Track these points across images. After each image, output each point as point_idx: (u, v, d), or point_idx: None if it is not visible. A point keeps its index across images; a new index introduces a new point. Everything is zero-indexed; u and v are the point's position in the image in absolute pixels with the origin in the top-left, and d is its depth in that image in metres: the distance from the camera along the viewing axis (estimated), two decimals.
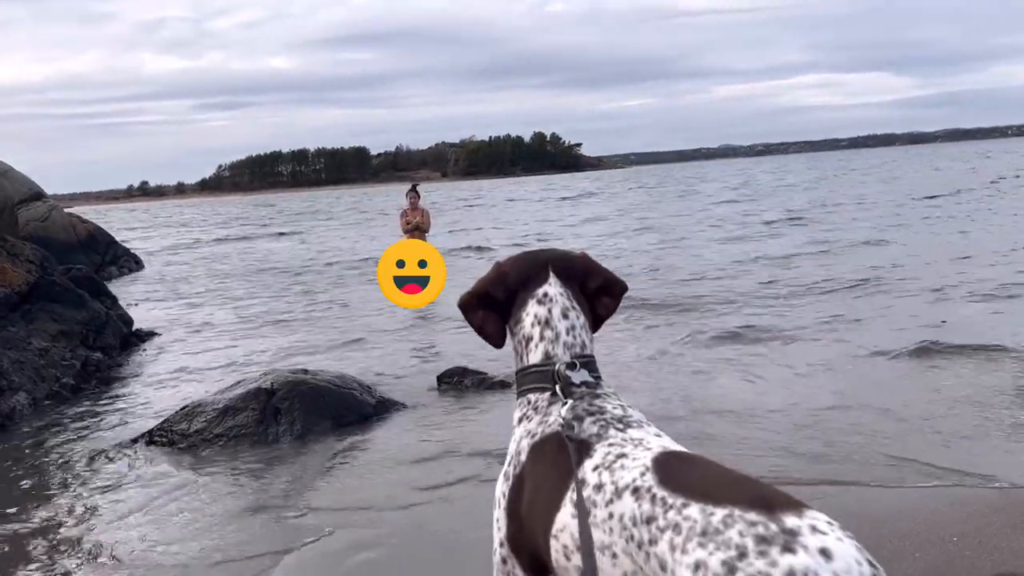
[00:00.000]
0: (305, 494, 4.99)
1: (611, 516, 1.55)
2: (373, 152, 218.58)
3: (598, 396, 1.83)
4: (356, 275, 16.62)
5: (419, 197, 16.16)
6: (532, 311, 1.92)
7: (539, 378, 1.88)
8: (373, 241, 24.42)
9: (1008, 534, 3.68)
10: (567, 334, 1.89)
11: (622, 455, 1.64)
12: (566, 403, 1.78)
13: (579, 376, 1.84)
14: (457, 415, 6.43)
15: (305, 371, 6.78)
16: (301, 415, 6.11)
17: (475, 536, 3.73)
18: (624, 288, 2.04)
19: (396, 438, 5.98)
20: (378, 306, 12.34)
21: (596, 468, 1.64)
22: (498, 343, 2.01)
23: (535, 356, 1.90)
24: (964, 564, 3.44)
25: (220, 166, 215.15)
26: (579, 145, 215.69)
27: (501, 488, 1.86)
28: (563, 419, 1.75)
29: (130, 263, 21.26)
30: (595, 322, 2.00)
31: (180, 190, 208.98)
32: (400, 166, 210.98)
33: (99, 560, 4.21)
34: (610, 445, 1.68)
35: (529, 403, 1.88)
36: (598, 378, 1.89)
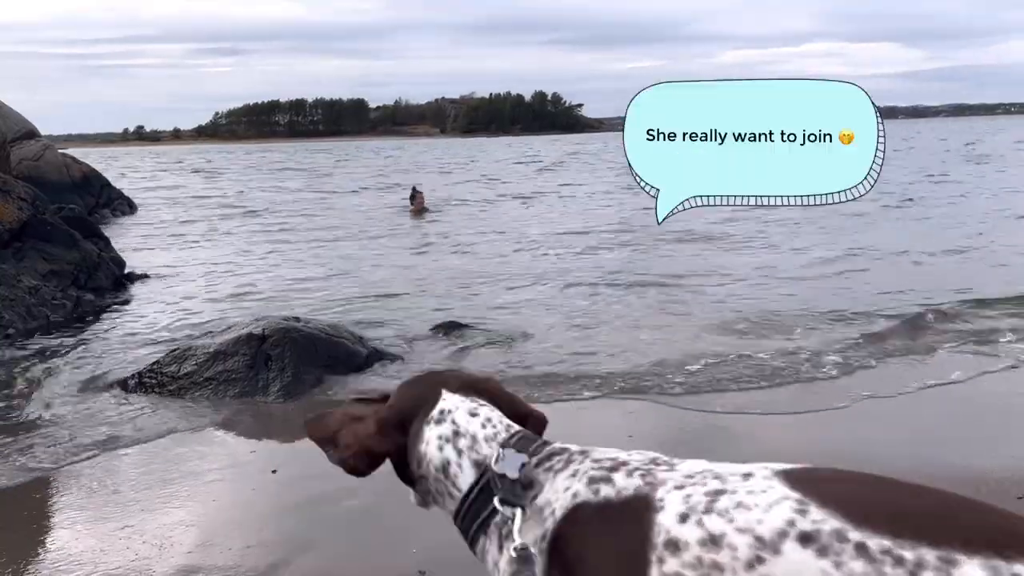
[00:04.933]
0: (289, 441, 5.00)
1: None
2: (372, 105, 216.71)
3: (551, 457, 1.36)
4: (358, 230, 16.53)
5: (423, 197, 18.84)
6: (433, 435, 1.47)
7: (488, 496, 1.37)
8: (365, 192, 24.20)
9: None
10: (483, 428, 1.45)
11: (717, 492, 1.15)
12: (512, 517, 1.30)
13: (512, 464, 1.35)
14: (446, 367, 6.43)
15: (297, 319, 6.75)
16: (292, 363, 6.09)
17: None
18: (543, 422, 1.58)
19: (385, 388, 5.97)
20: (375, 259, 12.32)
21: (684, 518, 1.15)
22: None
23: (466, 477, 1.42)
24: None
25: (217, 113, 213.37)
26: (580, 106, 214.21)
27: None
28: (515, 549, 1.27)
29: (123, 206, 21.12)
30: None
31: (176, 136, 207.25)
32: (399, 120, 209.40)
33: (77, 498, 4.22)
34: (676, 488, 1.19)
35: (498, 530, 1.36)
36: (542, 444, 1.41)
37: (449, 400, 1.50)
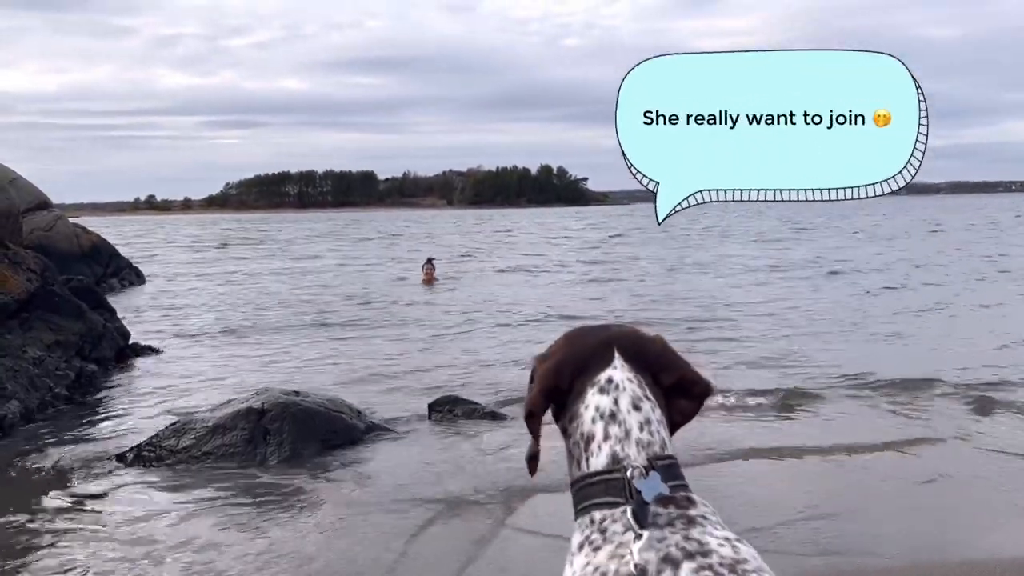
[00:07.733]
0: (283, 520, 4.99)
1: None
2: (381, 177, 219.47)
3: (694, 522, 1.31)
4: (365, 301, 16.65)
5: (434, 268, 19.75)
6: (593, 402, 1.45)
7: (607, 489, 1.37)
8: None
9: None
10: (640, 430, 1.42)
11: None
12: (640, 535, 1.27)
13: (651, 488, 1.34)
14: (445, 444, 6.44)
15: (296, 393, 6.79)
16: (290, 437, 6.11)
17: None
18: (708, 391, 1.54)
19: (382, 464, 5.98)
20: (380, 330, 12.38)
21: None
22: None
23: (599, 460, 1.41)
24: None
25: (227, 183, 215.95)
26: (585, 179, 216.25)
27: None
28: (635, 566, 1.24)
29: (131, 276, 21.33)
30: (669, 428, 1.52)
31: (187, 205, 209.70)
32: (407, 192, 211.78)
33: None
34: None
35: (593, 523, 1.36)
36: (683, 487, 1.38)
37: (619, 371, 1.46)
